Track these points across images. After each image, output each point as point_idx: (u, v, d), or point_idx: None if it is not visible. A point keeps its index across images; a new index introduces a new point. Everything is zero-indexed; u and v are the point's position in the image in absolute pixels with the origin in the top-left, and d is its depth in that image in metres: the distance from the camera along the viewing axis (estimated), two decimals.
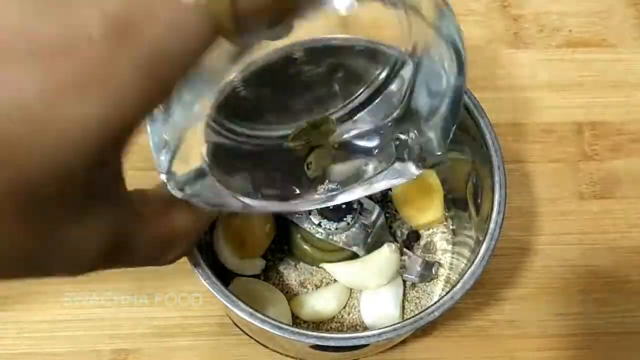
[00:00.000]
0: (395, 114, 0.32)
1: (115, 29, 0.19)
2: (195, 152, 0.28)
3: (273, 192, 0.34)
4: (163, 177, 0.28)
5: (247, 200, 0.32)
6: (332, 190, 0.34)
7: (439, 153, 0.32)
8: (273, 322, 0.35)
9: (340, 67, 0.31)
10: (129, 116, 0.21)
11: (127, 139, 0.22)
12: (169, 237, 0.30)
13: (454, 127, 0.31)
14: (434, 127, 0.31)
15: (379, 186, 0.35)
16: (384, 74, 0.31)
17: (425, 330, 0.48)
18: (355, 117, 0.32)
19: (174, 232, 0.30)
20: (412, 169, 0.33)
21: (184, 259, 0.36)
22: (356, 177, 0.35)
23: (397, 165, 0.34)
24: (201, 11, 0.20)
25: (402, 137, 0.33)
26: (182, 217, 0.30)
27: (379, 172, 0.34)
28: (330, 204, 0.35)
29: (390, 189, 0.49)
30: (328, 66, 0.30)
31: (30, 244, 0.21)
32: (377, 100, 0.32)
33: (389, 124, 0.33)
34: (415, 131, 0.32)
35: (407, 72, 0.30)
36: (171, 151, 0.27)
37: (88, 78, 0.19)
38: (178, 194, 0.29)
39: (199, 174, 0.29)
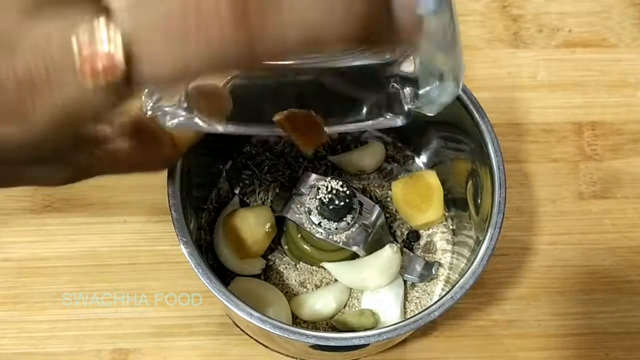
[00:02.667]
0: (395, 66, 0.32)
1: (24, 77, 0.22)
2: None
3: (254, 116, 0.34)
4: (149, 113, 0.30)
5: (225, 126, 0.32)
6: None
7: (430, 114, 0.32)
8: (273, 322, 0.35)
9: None
10: (51, 138, 0.24)
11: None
12: (140, 163, 0.32)
13: (448, 100, 0.31)
14: (428, 95, 0.32)
15: (361, 126, 0.35)
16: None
17: (425, 330, 0.48)
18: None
19: (146, 160, 0.32)
20: (398, 120, 0.33)
21: (184, 259, 0.36)
22: (343, 115, 0.34)
23: (384, 114, 0.34)
24: (100, 90, 0.22)
25: (398, 88, 0.33)
26: (158, 148, 0.32)
27: (367, 115, 0.34)
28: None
29: (390, 189, 0.49)
30: None
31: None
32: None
33: (389, 72, 0.32)
34: (411, 90, 0.32)
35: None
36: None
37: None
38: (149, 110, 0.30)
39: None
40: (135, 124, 0.31)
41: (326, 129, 0.33)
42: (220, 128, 0.32)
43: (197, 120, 0.31)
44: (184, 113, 0.30)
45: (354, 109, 0.34)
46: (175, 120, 0.31)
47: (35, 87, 0.22)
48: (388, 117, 0.33)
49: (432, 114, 0.32)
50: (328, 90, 0.34)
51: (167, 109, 0.30)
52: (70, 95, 0.22)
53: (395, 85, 0.33)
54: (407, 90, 0.32)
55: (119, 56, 0.22)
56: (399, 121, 0.33)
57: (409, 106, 0.33)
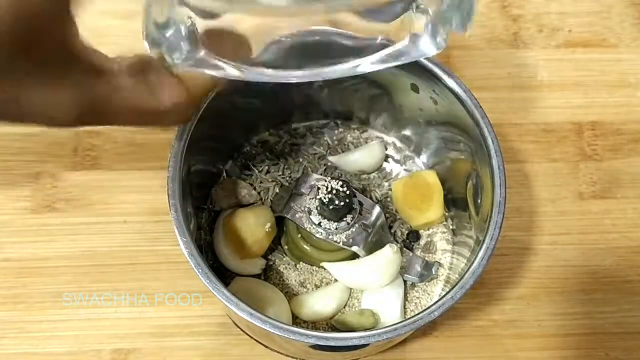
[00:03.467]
0: None
1: None
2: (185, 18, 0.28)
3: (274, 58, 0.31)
4: (149, 45, 0.28)
5: (240, 67, 0.30)
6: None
7: (464, 31, 0.30)
8: (273, 322, 0.35)
9: None
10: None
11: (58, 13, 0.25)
12: (151, 108, 0.30)
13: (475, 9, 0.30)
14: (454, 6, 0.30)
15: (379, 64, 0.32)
16: None
17: (425, 330, 0.48)
18: None
19: (156, 105, 0.30)
20: (428, 45, 0.31)
21: (184, 259, 0.36)
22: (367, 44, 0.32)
23: (407, 42, 0.31)
24: None
25: (422, 4, 0.30)
26: (169, 91, 0.30)
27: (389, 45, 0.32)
28: (330, 71, 0.32)
29: (390, 189, 0.49)
30: None
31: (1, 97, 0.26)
32: None
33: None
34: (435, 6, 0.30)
35: None
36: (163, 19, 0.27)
37: None
38: (167, 58, 0.29)
39: (190, 39, 0.29)
40: (139, 62, 0.30)
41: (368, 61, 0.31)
42: (235, 72, 0.30)
43: (208, 59, 0.29)
44: (190, 49, 0.29)
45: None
46: (183, 57, 0.29)
47: None
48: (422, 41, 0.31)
49: (462, 30, 0.30)
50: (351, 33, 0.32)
51: (175, 43, 0.28)
52: None
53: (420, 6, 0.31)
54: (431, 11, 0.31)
55: None
56: (434, 46, 0.31)
57: (438, 29, 0.31)
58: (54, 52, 0.26)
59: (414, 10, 0.31)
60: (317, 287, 0.47)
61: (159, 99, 0.30)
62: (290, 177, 0.49)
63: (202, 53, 0.29)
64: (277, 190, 0.49)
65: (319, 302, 0.45)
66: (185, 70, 0.30)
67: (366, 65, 0.32)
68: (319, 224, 0.43)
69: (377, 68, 0.32)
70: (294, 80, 0.31)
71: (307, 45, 0.31)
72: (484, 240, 0.38)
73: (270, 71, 0.31)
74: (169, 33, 0.29)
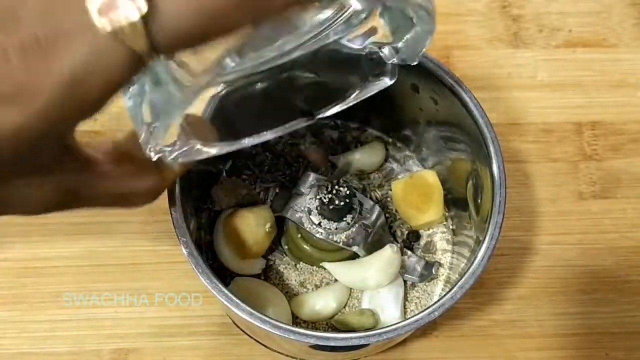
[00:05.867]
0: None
1: (30, 46, 0.22)
2: (175, 125, 0.30)
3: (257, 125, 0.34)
4: (145, 145, 0.29)
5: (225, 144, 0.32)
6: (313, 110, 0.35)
7: (413, 63, 0.34)
8: (273, 322, 0.35)
9: None
10: (52, 123, 0.23)
11: (64, 133, 0.25)
12: (126, 193, 0.31)
13: (428, 42, 0.32)
14: (407, 44, 0.33)
15: (353, 99, 0.36)
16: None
17: (425, 330, 0.48)
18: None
19: (133, 189, 0.31)
20: (386, 80, 0.35)
21: (184, 259, 0.36)
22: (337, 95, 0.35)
23: (372, 80, 0.35)
24: (119, 41, 0.22)
25: (376, 50, 0.34)
26: (145, 178, 0.31)
27: (358, 87, 0.35)
28: (307, 123, 0.35)
29: (390, 189, 0.49)
30: None
31: None
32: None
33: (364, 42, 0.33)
34: (389, 48, 0.33)
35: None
36: (151, 128, 0.28)
37: (6, 91, 0.22)
38: (163, 158, 0.30)
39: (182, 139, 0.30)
40: (122, 147, 0.31)
41: (323, 112, 0.34)
42: (214, 150, 0.32)
43: (197, 146, 0.31)
44: (182, 144, 0.31)
45: (344, 87, 0.35)
46: (175, 153, 0.30)
47: (43, 51, 0.22)
48: (374, 81, 0.35)
49: (414, 63, 0.34)
50: (314, 83, 0.35)
51: (166, 146, 0.30)
52: (81, 53, 0.22)
53: (374, 49, 0.34)
54: (386, 49, 0.33)
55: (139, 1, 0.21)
56: (387, 81, 0.35)
57: (392, 61, 0.34)
58: (47, 158, 0.27)
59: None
60: (317, 287, 0.47)
61: (137, 185, 0.31)
62: (290, 177, 0.49)
63: (193, 142, 0.31)
64: (277, 190, 0.49)
65: (319, 302, 0.45)
66: (179, 161, 0.31)
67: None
68: (319, 224, 0.43)
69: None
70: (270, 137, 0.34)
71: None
72: (484, 240, 0.38)
73: (246, 140, 0.33)
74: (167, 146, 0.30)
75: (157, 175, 0.32)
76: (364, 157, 0.50)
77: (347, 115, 0.51)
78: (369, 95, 0.36)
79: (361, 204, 0.44)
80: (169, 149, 0.30)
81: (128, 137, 0.31)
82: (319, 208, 0.43)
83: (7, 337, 0.47)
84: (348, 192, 0.42)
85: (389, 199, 0.49)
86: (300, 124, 0.35)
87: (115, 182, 0.30)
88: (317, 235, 0.43)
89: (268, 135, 0.34)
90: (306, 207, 0.44)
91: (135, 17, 0.22)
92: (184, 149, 0.31)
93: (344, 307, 0.46)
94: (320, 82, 0.35)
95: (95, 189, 0.29)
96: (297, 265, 0.47)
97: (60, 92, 0.22)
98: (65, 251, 0.49)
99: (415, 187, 0.48)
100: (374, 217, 0.44)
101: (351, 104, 0.35)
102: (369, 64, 0.34)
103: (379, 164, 0.50)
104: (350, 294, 0.46)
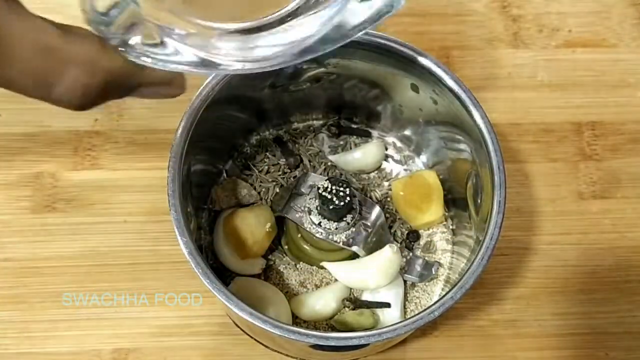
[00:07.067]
0: None
1: None
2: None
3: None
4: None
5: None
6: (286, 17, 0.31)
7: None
8: (273, 322, 0.35)
9: None
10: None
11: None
12: (48, 59, 0.29)
13: None
14: None
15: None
16: None
17: (425, 330, 0.48)
18: None
19: (58, 56, 0.29)
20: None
21: (184, 259, 0.36)
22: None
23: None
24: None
25: None
26: (78, 48, 0.29)
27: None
28: (285, 36, 0.32)
29: (390, 189, 0.49)
30: None
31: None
32: None
33: None
34: None
35: None
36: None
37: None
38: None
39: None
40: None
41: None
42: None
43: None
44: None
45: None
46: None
47: None
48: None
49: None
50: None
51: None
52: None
53: None
54: None
55: None
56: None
57: None
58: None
59: None
60: (317, 287, 0.47)
61: (65, 56, 0.30)
62: (290, 177, 0.49)
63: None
64: (277, 190, 0.49)
65: (319, 302, 0.45)
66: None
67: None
68: (319, 224, 0.43)
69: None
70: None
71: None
72: (484, 240, 0.38)
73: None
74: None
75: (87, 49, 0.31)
76: (364, 157, 0.50)
77: (348, 115, 0.51)
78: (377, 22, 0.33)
79: (361, 204, 0.44)
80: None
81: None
82: (319, 208, 0.43)
83: (7, 337, 0.47)
84: (348, 192, 0.42)
85: (389, 199, 0.49)
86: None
87: (34, 38, 0.29)
88: (317, 235, 0.43)
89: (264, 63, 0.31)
90: (306, 207, 0.44)
91: None
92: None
93: (344, 307, 0.46)
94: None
95: (16, 37, 0.28)
96: (297, 265, 0.47)
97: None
98: (65, 251, 0.49)
99: (415, 187, 0.48)
100: (374, 217, 0.44)
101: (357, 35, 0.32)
102: None
103: (378, 164, 0.50)
104: (350, 294, 0.46)
